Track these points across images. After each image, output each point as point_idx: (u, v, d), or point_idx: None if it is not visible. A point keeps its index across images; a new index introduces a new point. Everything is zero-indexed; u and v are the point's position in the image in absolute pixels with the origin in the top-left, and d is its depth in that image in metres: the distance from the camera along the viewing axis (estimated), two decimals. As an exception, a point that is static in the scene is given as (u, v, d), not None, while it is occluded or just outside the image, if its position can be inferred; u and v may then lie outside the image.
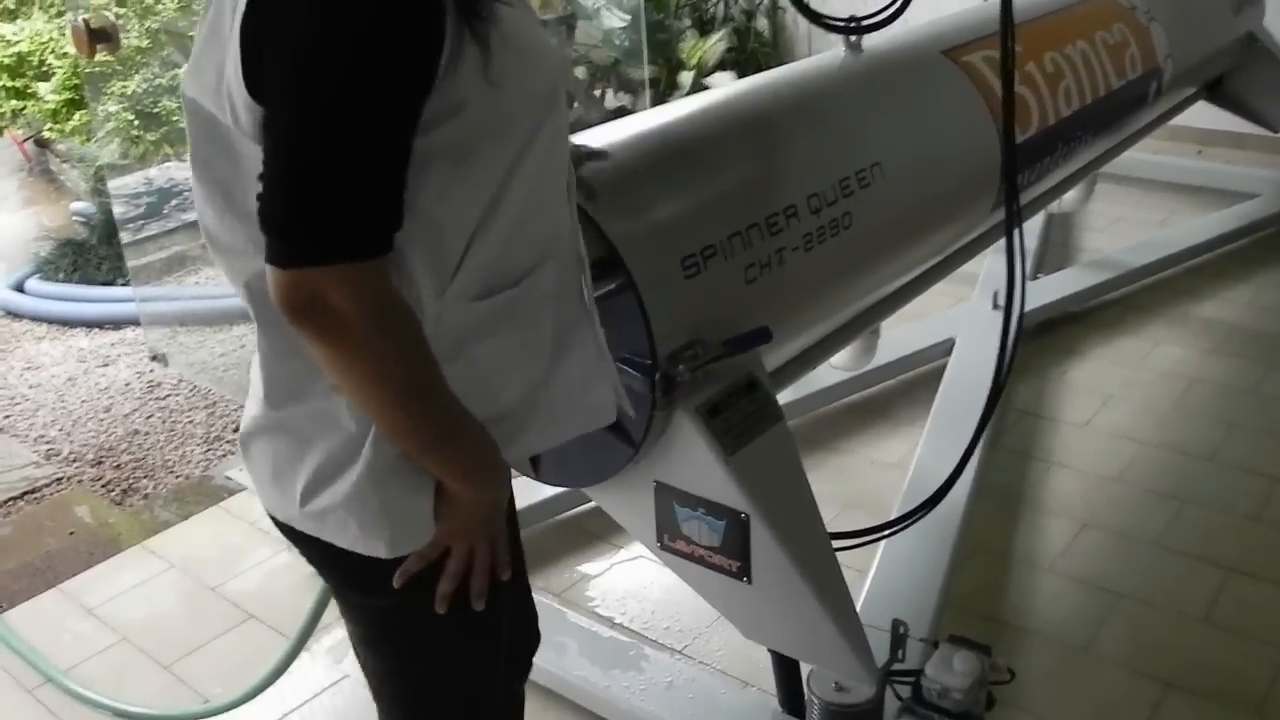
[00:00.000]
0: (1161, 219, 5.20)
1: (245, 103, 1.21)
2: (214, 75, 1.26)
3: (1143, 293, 4.41)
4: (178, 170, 5.18)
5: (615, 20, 6.13)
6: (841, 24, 2.20)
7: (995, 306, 3.96)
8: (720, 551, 2.02)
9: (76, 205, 6.08)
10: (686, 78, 6.41)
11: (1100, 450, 3.43)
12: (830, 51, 2.74)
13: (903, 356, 3.75)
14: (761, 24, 7.08)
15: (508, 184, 1.30)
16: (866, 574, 2.68)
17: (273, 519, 1.49)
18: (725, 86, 2.54)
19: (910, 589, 2.65)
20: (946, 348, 3.77)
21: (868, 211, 2.40)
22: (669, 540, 2.08)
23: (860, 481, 3.30)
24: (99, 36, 4.04)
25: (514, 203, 1.32)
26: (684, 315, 1.97)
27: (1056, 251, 4.79)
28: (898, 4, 2.13)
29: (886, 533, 2.48)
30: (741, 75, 6.62)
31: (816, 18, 2.13)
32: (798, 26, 7.21)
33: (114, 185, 5.07)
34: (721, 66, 6.58)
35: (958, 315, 3.97)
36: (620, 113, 6.58)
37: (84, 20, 3.97)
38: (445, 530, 1.39)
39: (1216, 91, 4.95)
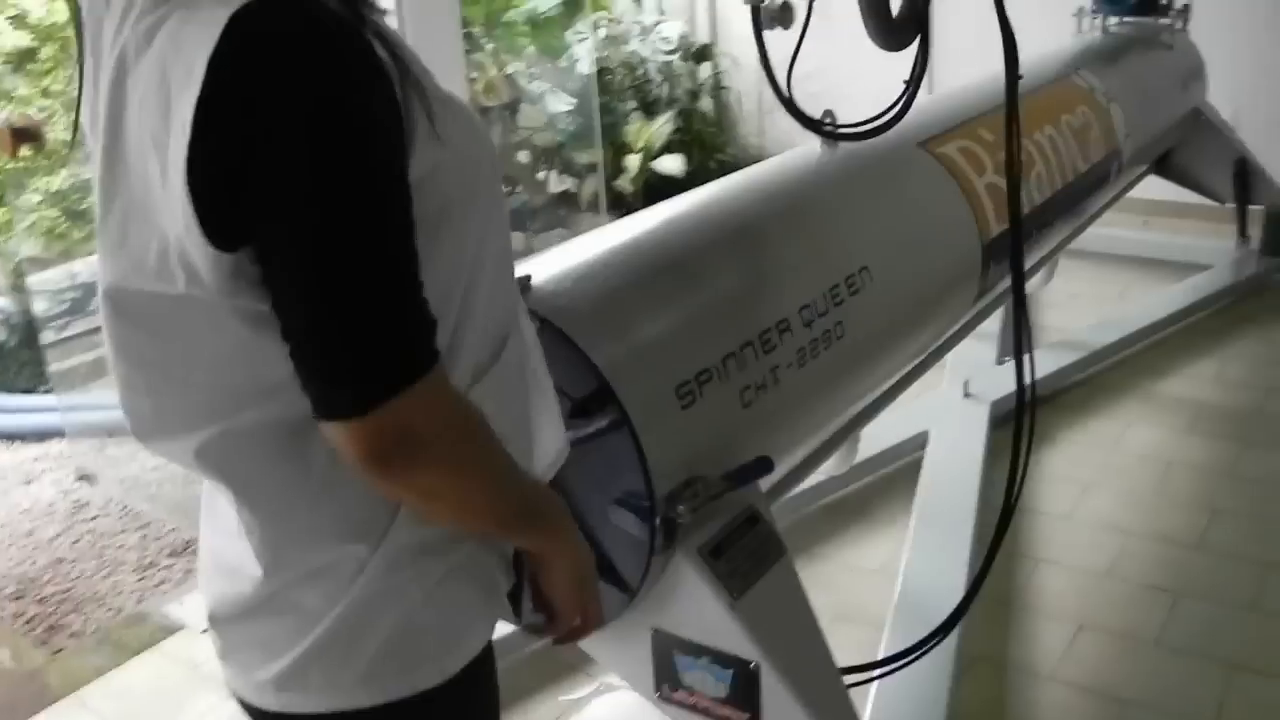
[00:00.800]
0: (1118, 292, 5.16)
1: (209, 257, 1.06)
2: (150, 253, 1.12)
3: (1109, 371, 4.35)
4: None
5: (561, 104, 6.04)
6: (831, 128, 2.07)
7: (966, 395, 3.87)
8: (728, 702, 1.86)
9: (-8, 304, 5.82)
10: (634, 161, 6.33)
11: (1086, 543, 3.32)
12: (805, 147, 2.63)
13: (877, 453, 3.63)
14: (706, 104, 7.02)
15: (481, 252, 1.22)
16: (866, 692, 2.53)
17: (249, 706, 1.32)
18: (700, 189, 2.42)
19: (915, 712, 2.51)
20: (920, 441, 3.66)
21: (859, 318, 2.28)
22: (669, 691, 1.92)
23: (844, 590, 3.16)
24: (23, 136, 3.88)
25: (488, 272, 1.24)
26: (681, 449, 1.83)
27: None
28: (892, 113, 2.00)
29: (901, 663, 2.34)
30: (689, 158, 6.57)
31: (810, 122, 2.00)
32: (741, 106, 7.17)
33: (35, 280, 4.83)
34: (668, 149, 6.50)
35: (929, 406, 3.86)
36: (565, 197, 6.49)
37: (8, 121, 3.81)
38: (564, 596, 1.37)
39: (1164, 165, 4.95)
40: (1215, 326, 4.77)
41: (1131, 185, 4.45)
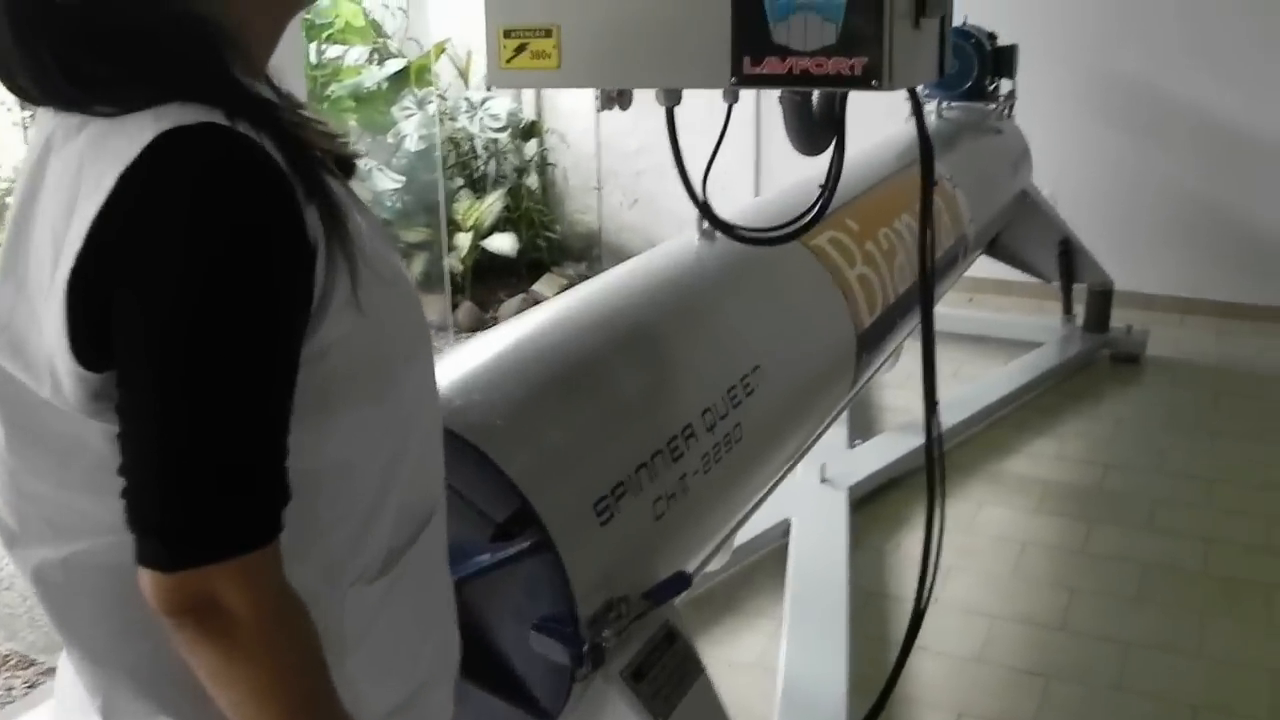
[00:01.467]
0: (952, 371, 5.25)
1: (73, 373, 0.98)
2: (29, 344, 1.02)
3: (955, 452, 4.39)
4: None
5: (388, 182, 5.90)
6: (752, 234, 2.02)
7: (823, 480, 3.86)
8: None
9: None
10: (464, 239, 6.21)
11: (954, 629, 3.32)
12: (682, 239, 2.59)
13: (741, 544, 3.57)
14: (533, 181, 6.96)
15: (410, 422, 1.16)
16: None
17: None
18: (585, 285, 2.34)
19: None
20: (782, 529, 3.62)
21: (754, 418, 2.23)
22: (591, 823, 1.81)
23: (722, 687, 3.06)
24: None
25: (416, 441, 1.18)
26: (600, 568, 1.74)
27: (862, 411, 4.75)
28: (809, 217, 1.96)
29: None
30: (518, 235, 6.49)
31: (725, 227, 1.95)
32: (568, 182, 7.13)
33: None
34: (497, 227, 6.41)
35: (788, 492, 3.82)
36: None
37: None
38: None
39: (993, 245, 5.08)
40: (1049, 404, 4.88)
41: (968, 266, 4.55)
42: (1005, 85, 5.09)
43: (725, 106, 1.74)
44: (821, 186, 1.91)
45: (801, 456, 2.82)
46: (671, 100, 1.77)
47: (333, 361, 1.02)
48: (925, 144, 1.96)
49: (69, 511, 1.07)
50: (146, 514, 0.98)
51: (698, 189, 1.95)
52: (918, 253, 2.06)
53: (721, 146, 1.89)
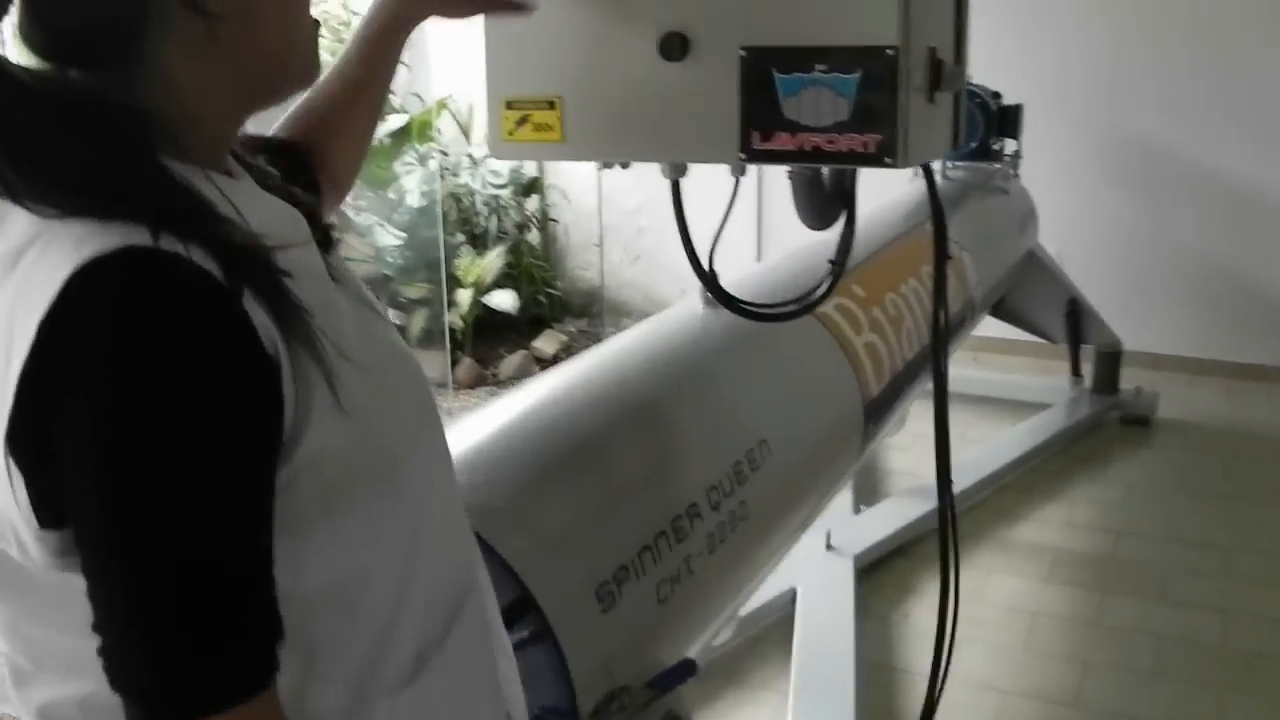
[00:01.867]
0: (959, 433, 5.14)
1: (33, 534, 0.88)
2: None
3: (963, 518, 4.31)
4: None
5: (389, 238, 5.87)
6: (760, 310, 1.96)
7: (829, 547, 3.78)
8: None
9: None
10: (465, 295, 6.16)
11: (965, 704, 3.23)
12: (684, 307, 2.53)
13: (746, 614, 3.49)
14: (534, 236, 6.93)
15: (423, 513, 1.07)
16: None
17: None
18: (587, 355, 2.28)
19: None
20: (787, 598, 3.55)
21: (760, 494, 2.17)
22: None
23: (726, 765, 3.00)
24: None
25: (432, 529, 1.09)
26: (602, 657, 1.68)
27: (869, 474, 4.68)
28: (820, 292, 1.91)
29: None
30: (519, 292, 6.45)
31: (731, 301, 1.89)
32: (569, 239, 7.10)
33: None
34: (498, 283, 6.37)
35: (793, 560, 3.74)
36: (393, 332, 6.26)
37: None
38: None
39: (999, 306, 5.03)
40: (1058, 468, 4.81)
41: (974, 328, 4.50)
42: (1011, 145, 5.05)
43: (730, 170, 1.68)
44: (831, 262, 1.85)
45: (807, 528, 2.76)
46: (677, 173, 1.71)
47: (328, 472, 0.93)
48: (939, 223, 1.91)
49: (80, 654, 0.95)
50: (126, 676, 0.89)
51: (703, 259, 1.89)
52: (930, 335, 2.00)
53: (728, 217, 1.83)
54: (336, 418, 0.92)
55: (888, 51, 1.48)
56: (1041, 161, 5.39)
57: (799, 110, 1.51)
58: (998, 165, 4.94)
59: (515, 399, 2.00)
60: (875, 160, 1.50)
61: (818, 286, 1.91)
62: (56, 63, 0.91)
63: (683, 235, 1.76)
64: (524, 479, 1.74)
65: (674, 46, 1.55)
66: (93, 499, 0.84)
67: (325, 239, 1.07)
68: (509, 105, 1.67)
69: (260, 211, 0.95)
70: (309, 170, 1.33)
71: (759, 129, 1.53)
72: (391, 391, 1.04)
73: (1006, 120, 4.97)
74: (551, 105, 1.64)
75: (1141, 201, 5.96)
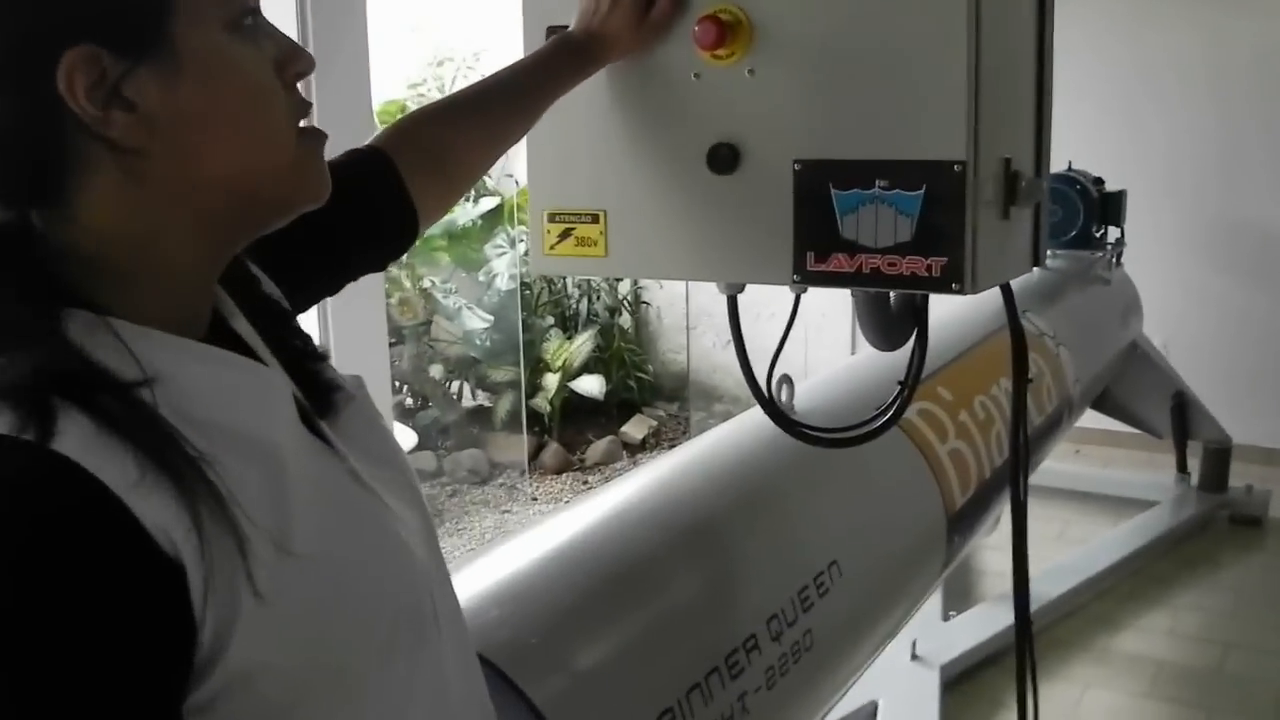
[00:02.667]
0: (1058, 532, 4.97)
1: None
2: None
3: (1058, 626, 4.11)
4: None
5: (477, 321, 5.83)
6: (821, 435, 1.84)
7: (914, 657, 3.61)
8: None
9: None
10: (551, 380, 6.10)
11: (1056, 835, 3.03)
12: (754, 413, 2.41)
13: (823, 729, 3.34)
14: (625, 320, 6.86)
15: None
16: None
17: None
18: (643, 470, 2.17)
19: None
20: (870, 711, 3.37)
21: (828, 621, 2.03)
22: None
23: None
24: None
25: None
26: (643, 813, 1.54)
27: (960, 577, 4.48)
28: (888, 416, 1.78)
29: None
30: (608, 376, 6.37)
31: (792, 426, 1.77)
32: (662, 321, 7.01)
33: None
34: (587, 367, 6.30)
35: (876, 670, 3.57)
36: (478, 414, 6.23)
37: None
38: None
39: (1101, 399, 4.83)
40: (1161, 572, 4.57)
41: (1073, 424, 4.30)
42: (1113, 232, 4.88)
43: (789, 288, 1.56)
44: (901, 384, 1.72)
45: (880, 651, 2.60)
46: (733, 289, 1.60)
47: (264, 689, 0.76)
48: (1020, 345, 1.78)
49: None
50: None
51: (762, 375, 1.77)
52: (1010, 463, 1.85)
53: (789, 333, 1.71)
54: (272, 624, 0.76)
55: (954, 167, 1.36)
56: (1147, 248, 5.20)
57: (857, 230, 1.39)
58: (1099, 254, 4.76)
59: (561, 519, 1.88)
60: (941, 286, 1.37)
61: (886, 409, 1.78)
62: None
63: (741, 357, 1.65)
64: (562, 611, 1.62)
65: (723, 158, 1.45)
66: None
67: (324, 401, 0.94)
68: (551, 218, 1.57)
69: (192, 381, 0.79)
70: (392, 185, 1.25)
71: (814, 249, 1.42)
72: (359, 594, 0.86)
73: (1109, 207, 4.80)
74: (596, 219, 1.54)
75: (1251, 288, 5.73)
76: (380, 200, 1.24)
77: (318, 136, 0.92)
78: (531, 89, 1.42)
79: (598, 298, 6.73)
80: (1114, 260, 4.85)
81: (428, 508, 1.04)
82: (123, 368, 0.75)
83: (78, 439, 0.70)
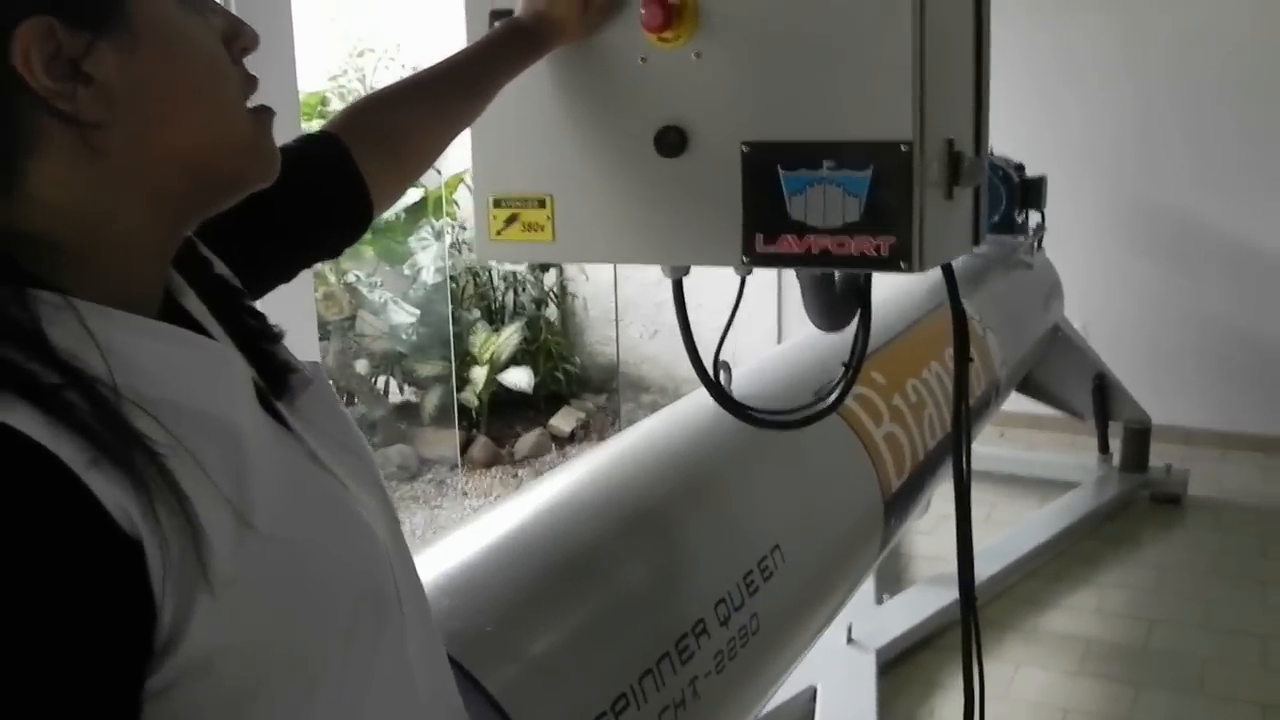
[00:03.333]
0: (985, 514, 5.02)
1: None
2: None
3: (989, 606, 4.15)
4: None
5: (404, 316, 5.78)
6: (768, 418, 1.84)
7: (849, 641, 3.63)
8: None
9: None
10: (479, 373, 6.06)
11: (994, 811, 3.07)
12: (694, 399, 2.41)
13: (763, 716, 3.33)
14: (552, 312, 6.84)
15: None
16: None
17: None
18: (588, 457, 2.16)
19: None
20: (809, 696, 3.39)
21: (773, 605, 2.04)
22: None
23: None
24: None
25: None
26: (597, 800, 1.53)
27: (891, 560, 4.52)
28: (832, 398, 1.79)
29: None
30: (535, 368, 6.35)
31: (738, 408, 1.77)
32: (588, 313, 7.00)
33: None
34: (514, 360, 6.27)
35: (813, 655, 3.59)
36: (406, 409, 6.18)
37: None
38: None
39: (1025, 381, 4.90)
40: (1087, 551, 4.65)
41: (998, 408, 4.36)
42: (1034, 217, 4.94)
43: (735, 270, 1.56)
44: (845, 365, 1.74)
45: (822, 634, 2.62)
46: (678, 273, 1.60)
47: (225, 673, 0.75)
48: (961, 325, 1.79)
49: None
50: None
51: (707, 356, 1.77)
52: (953, 442, 1.88)
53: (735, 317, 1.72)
54: (233, 605, 0.75)
55: (901, 147, 1.37)
56: (1067, 233, 5.28)
57: (806, 210, 1.40)
58: (1021, 238, 4.82)
59: (507, 509, 1.88)
60: (889, 265, 1.38)
61: (831, 390, 1.79)
62: None
63: (685, 338, 1.64)
64: (513, 600, 1.62)
65: (671, 142, 1.45)
66: None
67: (280, 382, 0.92)
68: (497, 203, 1.56)
69: (149, 359, 0.77)
70: (346, 170, 1.24)
71: (763, 230, 1.42)
72: (320, 575, 0.85)
73: (1029, 192, 4.85)
74: (542, 203, 1.53)
75: (1170, 272, 5.83)
76: (334, 185, 1.23)
77: (268, 112, 0.90)
78: (481, 74, 1.41)
79: (524, 290, 6.70)
80: (1035, 245, 4.91)
81: (389, 493, 1.03)
82: (81, 350, 0.72)
83: (32, 417, 0.68)
